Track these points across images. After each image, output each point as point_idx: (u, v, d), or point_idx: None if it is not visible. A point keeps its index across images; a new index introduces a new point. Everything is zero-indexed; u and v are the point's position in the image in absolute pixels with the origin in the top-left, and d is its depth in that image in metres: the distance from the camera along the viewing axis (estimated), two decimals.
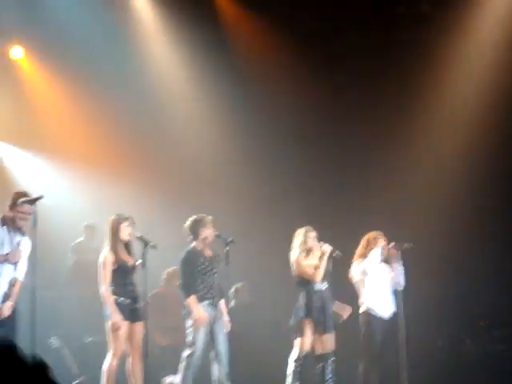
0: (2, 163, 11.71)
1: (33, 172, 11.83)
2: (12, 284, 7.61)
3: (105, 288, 7.97)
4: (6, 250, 7.53)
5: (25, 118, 11.22)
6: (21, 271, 7.67)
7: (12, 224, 7.55)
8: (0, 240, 7.52)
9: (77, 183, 11.63)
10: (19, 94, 11.31)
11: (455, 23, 11.10)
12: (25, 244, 7.63)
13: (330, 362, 8.44)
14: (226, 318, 8.37)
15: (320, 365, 8.51)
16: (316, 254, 8.60)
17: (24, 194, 7.56)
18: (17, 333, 7.50)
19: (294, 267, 8.62)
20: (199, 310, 8.17)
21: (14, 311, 7.61)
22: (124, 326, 7.94)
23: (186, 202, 10.42)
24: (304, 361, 8.44)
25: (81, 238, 11.02)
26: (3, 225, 7.56)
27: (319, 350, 8.53)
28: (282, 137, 11.94)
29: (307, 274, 8.50)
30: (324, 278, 8.53)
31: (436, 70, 11.32)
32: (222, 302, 8.43)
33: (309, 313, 8.43)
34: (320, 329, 8.46)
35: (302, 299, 8.52)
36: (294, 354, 8.46)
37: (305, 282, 8.54)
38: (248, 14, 11.86)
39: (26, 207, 7.46)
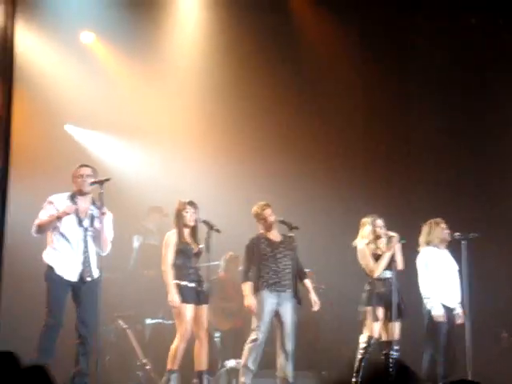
0: (87, 151, 11.85)
1: (114, 155, 11.92)
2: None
3: (164, 267, 8.09)
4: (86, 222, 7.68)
5: (103, 102, 11.34)
6: (104, 245, 7.70)
7: (81, 194, 7.70)
8: (73, 214, 7.61)
9: (155, 166, 11.71)
10: (95, 78, 11.43)
11: None
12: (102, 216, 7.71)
13: (394, 350, 8.42)
14: (313, 297, 8.52)
15: (384, 352, 8.51)
16: (383, 241, 8.61)
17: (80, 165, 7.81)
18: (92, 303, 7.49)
19: (360, 257, 8.64)
20: (248, 297, 8.29)
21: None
22: (189, 308, 8.01)
23: (261, 189, 10.43)
24: (372, 347, 8.44)
25: (146, 221, 11.10)
26: (75, 202, 7.69)
27: (384, 337, 8.57)
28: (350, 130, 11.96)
29: (369, 266, 8.53)
30: (390, 266, 8.51)
31: None
32: (306, 282, 8.54)
33: (372, 301, 8.45)
34: (385, 317, 8.47)
35: (366, 287, 8.57)
36: (362, 340, 8.48)
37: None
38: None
39: (82, 170, 7.71)
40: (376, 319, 8.41)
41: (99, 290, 7.41)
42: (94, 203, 7.74)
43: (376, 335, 8.45)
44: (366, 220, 8.71)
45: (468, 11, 11.48)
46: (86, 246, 7.64)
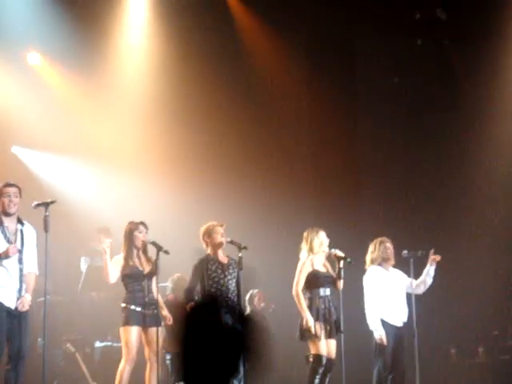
0: (35, 172, 11.71)
1: (62, 177, 11.80)
2: (26, 278, 7.09)
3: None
4: (3, 245, 7.04)
5: (51, 124, 11.24)
6: (33, 263, 7.19)
7: (4, 215, 7.11)
8: (2, 237, 7.02)
9: (97, 185, 11.64)
10: (42, 100, 11.34)
11: None
12: (27, 232, 7.22)
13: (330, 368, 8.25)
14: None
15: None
16: (323, 255, 8.44)
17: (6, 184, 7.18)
18: (28, 330, 7.15)
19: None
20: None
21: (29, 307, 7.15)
22: (134, 331, 7.93)
23: (205, 209, 10.40)
24: (325, 366, 8.20)
25: (94, 243, 10.97)
26: (1, 223, 7.09)
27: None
28: (294, 145, 11.99)
29: (296, 281, 8.35)
30: (329, 284, 8.38)
31: None
32: None
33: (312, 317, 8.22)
34: (325, 334, 8.27)
35: (306, 303, 8.31)
36: (314, 361, 8.27)
37: (309, 286, 8.36)
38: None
39: (8, 188, 7.10)
40: (316, 336, 8.20)
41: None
42: (19, 221, 7.21)
43: (325, 352, 8.24)
44: (309, 233, 8.51)
45: (414, 32, 11.67)
46: (21, 270, 7.06)
